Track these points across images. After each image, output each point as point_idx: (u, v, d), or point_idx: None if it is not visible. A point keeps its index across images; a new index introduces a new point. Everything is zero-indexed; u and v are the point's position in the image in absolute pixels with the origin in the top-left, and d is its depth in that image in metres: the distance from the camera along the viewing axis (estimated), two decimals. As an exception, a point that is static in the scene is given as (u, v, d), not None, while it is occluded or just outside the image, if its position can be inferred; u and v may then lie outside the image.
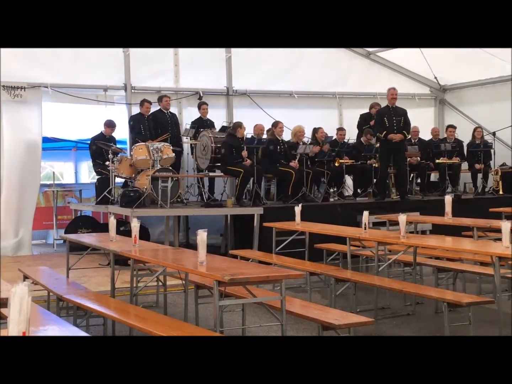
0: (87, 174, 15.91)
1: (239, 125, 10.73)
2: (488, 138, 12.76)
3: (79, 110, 12.42)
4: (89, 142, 11.60)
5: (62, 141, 14.48)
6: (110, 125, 11.26)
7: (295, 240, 8.14)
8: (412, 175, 12.36)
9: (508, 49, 11.72)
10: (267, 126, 11.64)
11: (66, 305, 6.20)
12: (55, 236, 12.38)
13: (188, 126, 11.37)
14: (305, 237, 8.07)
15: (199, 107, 11.79)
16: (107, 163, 10.61)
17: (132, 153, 10.54)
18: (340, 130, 12.36)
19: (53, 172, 14.68)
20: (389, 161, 11.36)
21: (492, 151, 12.46)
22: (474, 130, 12.79)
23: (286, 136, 11.65)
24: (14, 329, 2.67)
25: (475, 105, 14.27)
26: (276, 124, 11.20)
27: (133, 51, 11.85)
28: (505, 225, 5.61)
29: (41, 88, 11.22)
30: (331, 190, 11.54)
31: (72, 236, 7.92)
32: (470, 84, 14.32)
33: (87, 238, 7.58)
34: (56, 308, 5.99)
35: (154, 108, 11.45)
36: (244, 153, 10.33)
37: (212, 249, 10.30)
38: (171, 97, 12.03)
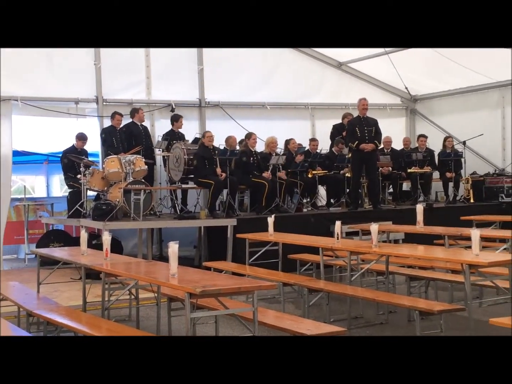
0: (59, 187, 15.76)
1: (203, 134, 10.77)
2: (458, 147, 12.92)
3: (50, 123, 12.33)
4: (60, 155, 11.50)
5: (33, 154, 14.35)
6: (81, 138, 11.18)
7: (268, 251, 8.14)
8: (384, 184, 12.44)
9: (475, 60, 11.94)
10: (240, 137, 11.66)
11: (36, 320, 6.12)
12: (26, 250, 12.24)
13: (160, 138, 11.35)
14: (279, 248, 8.08)
15: (176, 120, 11.67)
16: (78, 176, 10.51)
17: (104, 166, 10.47)
18: (313, 140, 12.41)
19: (24, 186, 14.52)
20: (361, 171, 11.42)
21: (462, 160, 12.62)
22: (445, 139, 12.94)
23: (259, 147, 11.67)
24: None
25: (445, 114, 14.45)
26: (249, 135, 11.21)
27: (105, 64, 11.82)
28: (474, 233, 5.67)
29: (11, 101, 11.10)
30: (304, 200, 11.57)
31: (43, 251, 7.84)
32: (440, 94, 14.51)
33: (58, 252, 7.50)
34: (26, 324, 5.91)
35: (126, 120, 11.40)
36: (218, 169, 10.30)
37: (186, 261, 10.34)
38: (143, 109, 11.99)
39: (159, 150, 11.45)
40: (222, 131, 11.36)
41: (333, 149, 12.34)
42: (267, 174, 10.82)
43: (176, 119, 11.71)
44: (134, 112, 11.45)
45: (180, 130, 11.75)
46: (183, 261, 9.80)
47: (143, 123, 11.66)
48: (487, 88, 13.44)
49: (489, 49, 10.61)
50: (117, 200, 9.88)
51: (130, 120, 11.45)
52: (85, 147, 11.32)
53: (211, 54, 12.74)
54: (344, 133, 12.15)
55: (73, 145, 11.20)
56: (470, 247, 5.87)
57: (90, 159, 11.16)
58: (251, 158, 10.98)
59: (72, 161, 10.82)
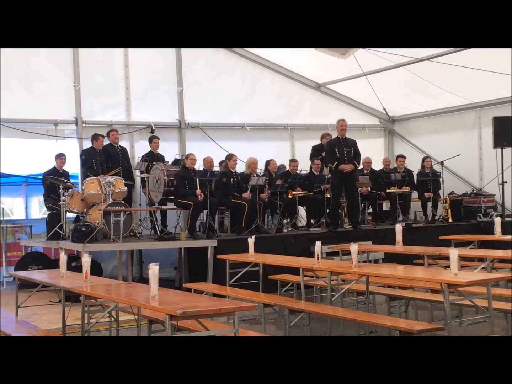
0: (38, 209, 15.63)
1: (186, 156, 10.82)
2: (436, 167, 13.05)
3: (29, 145, 12.28)
4: (39, 177, 11.44)
5: (12, 176, 14.23)
6: (57, 156, 11.10)
7: (249, 271, 8.13)
8: (363, 204, 12.51)
9: (452, 82, 12.13)
10: (220, 158, 11.69)
11: (15, 344, 6.04)
12: (4, 273, 12.09)
13: (139, 160, 11.36)
14: (259, 269, 8.07)
15: (150, 141, 11.79)
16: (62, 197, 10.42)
17: (83, 187, 10.43)
18: (293, 161, 12.46)
19: (3, 208, 14.38)
20: (341, 191, 11.47)
21: (440, 180, 12.74)
22: (423, 159, 13.07)
23: (239, 168, 11.70)
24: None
25: (423, 135, 14.62)
26: (230, 157, 11.24)
27: (84, 85, 11.84)
28: (453, 252, 5.72)
29: (-10, 123, 11.06)
30: (285, 221, 11.58)
31: (22, 273, 7.77)
32: (418, 115, 14.67)
33: (37, 275, 7.44)
34: (5, 348, 5.83)
35: (105, 142, 11.39)
36: (198, 191, 10.30)
37: (166, 282, 10.31)
38: (123, 130, 12.02)
39: (138, 172, 11.44)
40: (202, 152, 11.37)
41: (312, 169, 12.38)
42: (247, 194, 10.84)
43: (150, 141, 11.78)
44: (108, 133, 11.47)
45: (159, 151, 11.77)
46: (164, 282, 9.77)
47: (121, 144, 11.67)
48: (464, 109, 13.63)
49: (465, 71, 10.84)
50: (97, 221, 9.84)
51: (108, 142, 11.47)
52: (65, 168, 11.27)
53: (190, 75, 12.83)
54: (323, 154, 12.24)
55: (54, 166, 11.16)
56: (449, 266, 5.91)
57: (71, 180, 11.10)
58: (231, 179, 11.00)
59: (54, 183, 10.75)
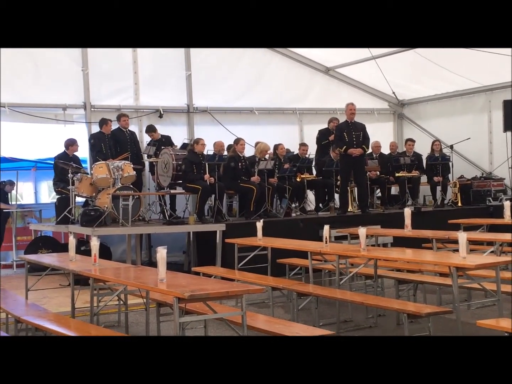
0: (47, 194, 15.70)
1: (196, 141, 10.78)
2: (446, 151, 12.98)
3: (38, 129, 12.30)
4: (48, 161, 11.47)
5: (21, 161, 14.28)
6: (71, 143, 11.10)
7: (257, 255, 8.15)
8: (372, 188, 12.47)
9: (462, 65, 12.03)
10: (229, 142, 11.67)
11: (25, 327, 6.09)
12: (14, 257, 12.17)
13: (147, 144, 11.38)
14: (268, 252, 8.09)
15: (154, 131, 11.72)
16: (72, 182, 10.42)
17: (92, 171, 10.45)
18: (303, 145, 12.41)
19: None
20: (349, 175, 11.45)
21: (450, 163, 12.68)
22: (433, 143, 13.00)
23: (248, 152, 11.68)
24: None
25: (432, 119, 14.53)
26: (237, 141, 11.22)
27: (92, 70, 11.83)
28: (462, 236, 5.71)
29: (-1, 108, 11.08)
30: (293, 205, 11.58)
31: (31, 257, 7.82)
32: (427, 99, 14.58)
33: (46, 258, 7.49)
34: (15, 330, 5.88)
35: (114, 126, 11.40)
36: (207, 176, 10.29)
37: (175, 266, 10.36)
38: (131, 115, 12.01)
39: (147, 156, 11.46)
40: (211, 137, 11.36)
41: (330, 154, 12.18)
42: (255, 178, 10.82)
43: (153, 130, 11.71)
44: (118, 118, 11.47)
45: (167, 134, 11.77)
46: (173, 266, 9.82)
47: (130, 129, 11.68)
48: (474, 92, 13.54)
49: (475, 54, 10.73)
50: (106, 206, 9.87)
51: (117, 126, 11.47)
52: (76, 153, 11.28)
53: (199, 59, 12.79)
54: (330, 138, 12.19)
55: (64, 151, 11.17)
56: (458, 250, 5.90)
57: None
58: (239, 164, 10.99)
59: (64, 167, 10.76)
